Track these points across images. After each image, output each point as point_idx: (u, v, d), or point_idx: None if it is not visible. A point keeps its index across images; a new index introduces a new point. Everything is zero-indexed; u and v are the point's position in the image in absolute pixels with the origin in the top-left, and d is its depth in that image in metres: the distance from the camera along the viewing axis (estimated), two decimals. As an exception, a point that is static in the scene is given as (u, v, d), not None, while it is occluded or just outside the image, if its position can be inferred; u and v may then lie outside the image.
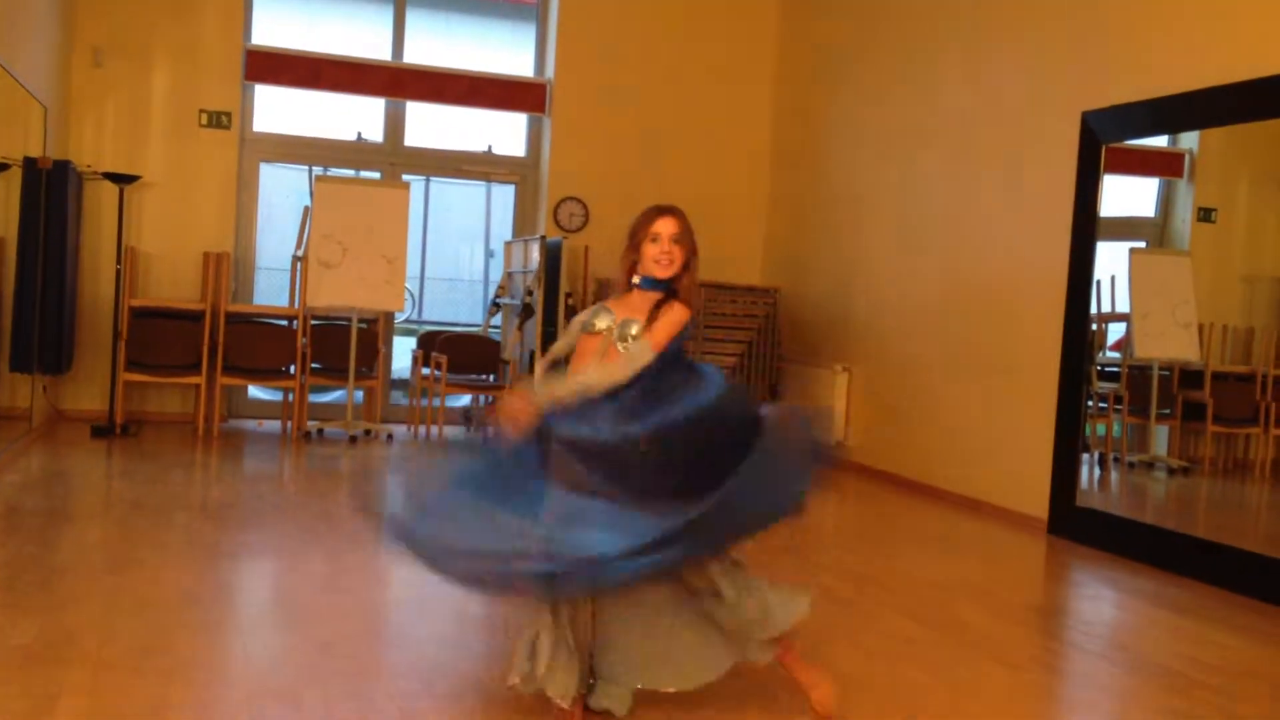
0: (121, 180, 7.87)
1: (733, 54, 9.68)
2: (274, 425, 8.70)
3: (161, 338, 8.11)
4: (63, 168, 7.50)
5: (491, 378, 8.99)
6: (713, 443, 2.99)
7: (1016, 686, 3.69)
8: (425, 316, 9.95)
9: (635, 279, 3.22)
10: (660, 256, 3.15)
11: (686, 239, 3.19)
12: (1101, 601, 5.22)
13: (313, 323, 8.39)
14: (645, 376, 3.07)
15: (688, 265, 3.20)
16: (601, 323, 3.18)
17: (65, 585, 4.11)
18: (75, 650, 3.38)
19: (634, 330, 3.11)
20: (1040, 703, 3.67)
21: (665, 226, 3.17)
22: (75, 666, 3.24)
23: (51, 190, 7.36)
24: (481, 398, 9.05)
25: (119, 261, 7.90)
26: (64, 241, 7.50)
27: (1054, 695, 3.80)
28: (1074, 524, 6.14)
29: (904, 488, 7.54)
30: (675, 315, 3.13)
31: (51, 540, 4.77)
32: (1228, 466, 6.49)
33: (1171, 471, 6.58)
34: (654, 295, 3.18)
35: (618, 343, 3.11)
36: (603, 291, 8.78)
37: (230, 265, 8.53)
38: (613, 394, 3.03)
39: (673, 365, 3.13)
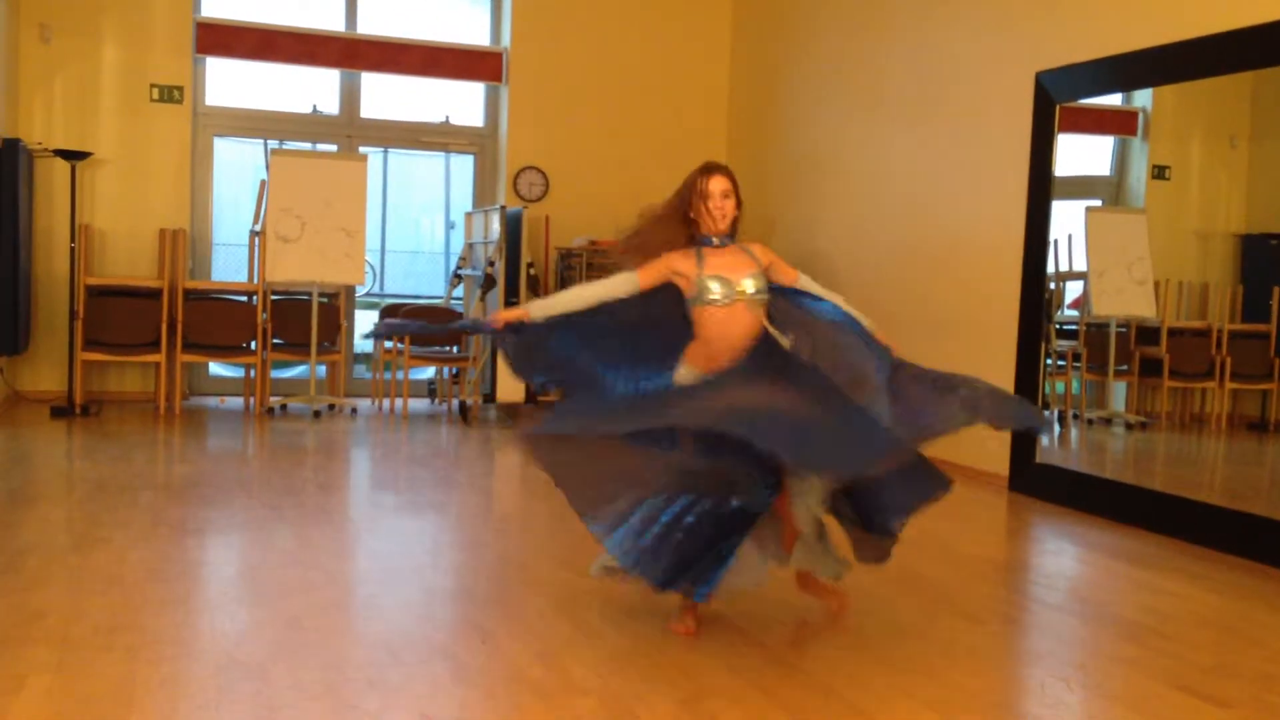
0: (73, 157, 7.77)
1: (689, 18, 9.65)
2: (236, 402, 8.66)
3: (119, 316, 8.04)
4: (13, 146, 7.39)
5: (455, 349, 8.97)
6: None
7: (977, 639, 3.75)
8: (387, 289, 9.88)
9: (715, 239, 3.53)
10: (716, 211, 3.50)
11: (736, 195, 3.55)
12: (1062, 555, 5.31)
13: (273, 298, 8.34)
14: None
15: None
16: (718, 290, 3.47)
17: (30, 566, 4.08)
18: (42, 630, 3.37)
19: (754, 285, 3.51)
20: (1001, 654, 3.73)
21: (716, 185, 3.51)
22: (42, 646, 3.23)
23: (2, 169, 7.26)
24: (445, 370, 9.03)
25: (73, 240, 7.81)
26: (16, 220, 7.40)
27: (1014, 646, 3.86)
28: (1034, 480, 6.22)
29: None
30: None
31: (15, 522, 4.74)
32: (1184, 420, 6.60)
33: (1129, 427, 6.68)
34: (737, 247, 3.56)
35: (755, 298, 3.50)
36: (566, 261, 8.77)
37: (187, 241, 8.44)
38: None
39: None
